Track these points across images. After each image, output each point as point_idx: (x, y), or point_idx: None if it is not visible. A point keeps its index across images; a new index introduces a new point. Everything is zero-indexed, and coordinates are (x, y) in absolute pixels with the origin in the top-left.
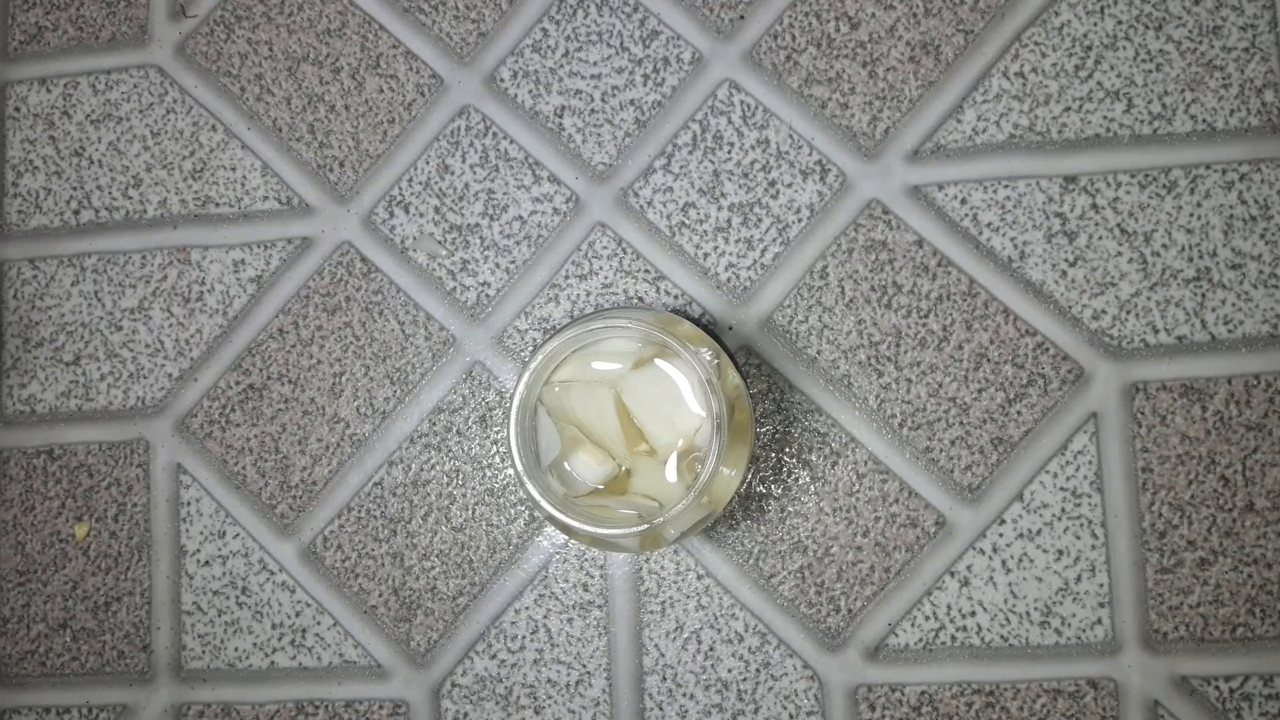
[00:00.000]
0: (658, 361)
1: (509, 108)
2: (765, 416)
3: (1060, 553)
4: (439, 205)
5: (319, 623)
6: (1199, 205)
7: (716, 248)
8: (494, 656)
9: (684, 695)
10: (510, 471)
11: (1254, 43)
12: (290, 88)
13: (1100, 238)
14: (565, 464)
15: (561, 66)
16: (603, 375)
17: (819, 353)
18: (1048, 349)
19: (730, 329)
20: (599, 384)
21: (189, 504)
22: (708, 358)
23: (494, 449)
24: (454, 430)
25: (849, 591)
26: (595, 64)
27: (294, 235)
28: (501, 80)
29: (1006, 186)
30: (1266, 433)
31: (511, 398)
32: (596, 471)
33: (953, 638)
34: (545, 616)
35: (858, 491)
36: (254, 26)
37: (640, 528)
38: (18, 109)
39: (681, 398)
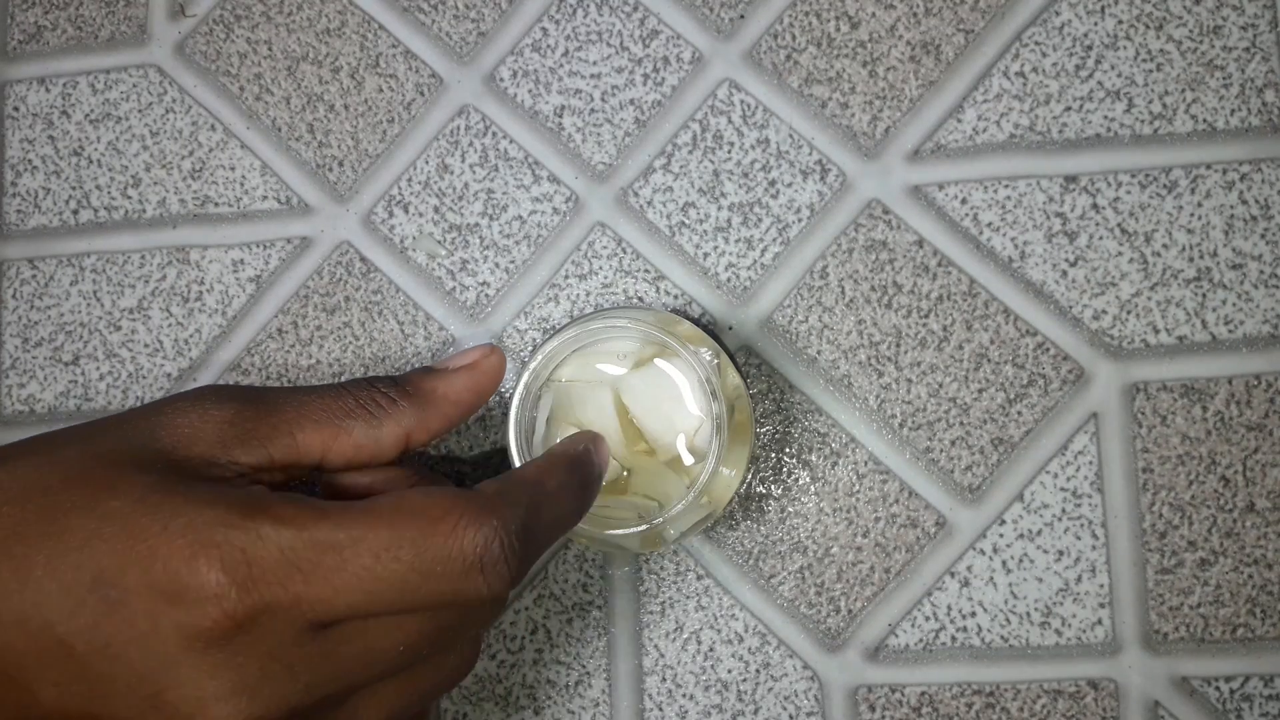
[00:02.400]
0: (658, 361)
1: (509, 107)
2: (765, 416)
3: (1060, 553)
4: (438, 205)
5: None
6: (1199, 205)
7: (716, 248)
8: (493, 657)
9: (684, 696)
10: None
11: (1255, 42)
12: (289, 87)
13: (1101, 238)
14: None
15: (561, 66)
16: (603, 375)
17: (819, 353)
18: (1048, 349)
19: (730, 329)
20: (599, 384)
21: None
22: (707, 358)
23: (493, 449)
24: (454, 431)
25: (849, 592)
26: (595, 63)
27: (293, 235)
28: (501, 80)
29: (1007, 186)
30: (1267, 433)
31: (511, 398)
32: None
33: (953, 638)
34: (545, 617)
35: (858, 492)
36: (253, 26)
37: (640, 528)
38: (16, 108)
39: (681, 398)
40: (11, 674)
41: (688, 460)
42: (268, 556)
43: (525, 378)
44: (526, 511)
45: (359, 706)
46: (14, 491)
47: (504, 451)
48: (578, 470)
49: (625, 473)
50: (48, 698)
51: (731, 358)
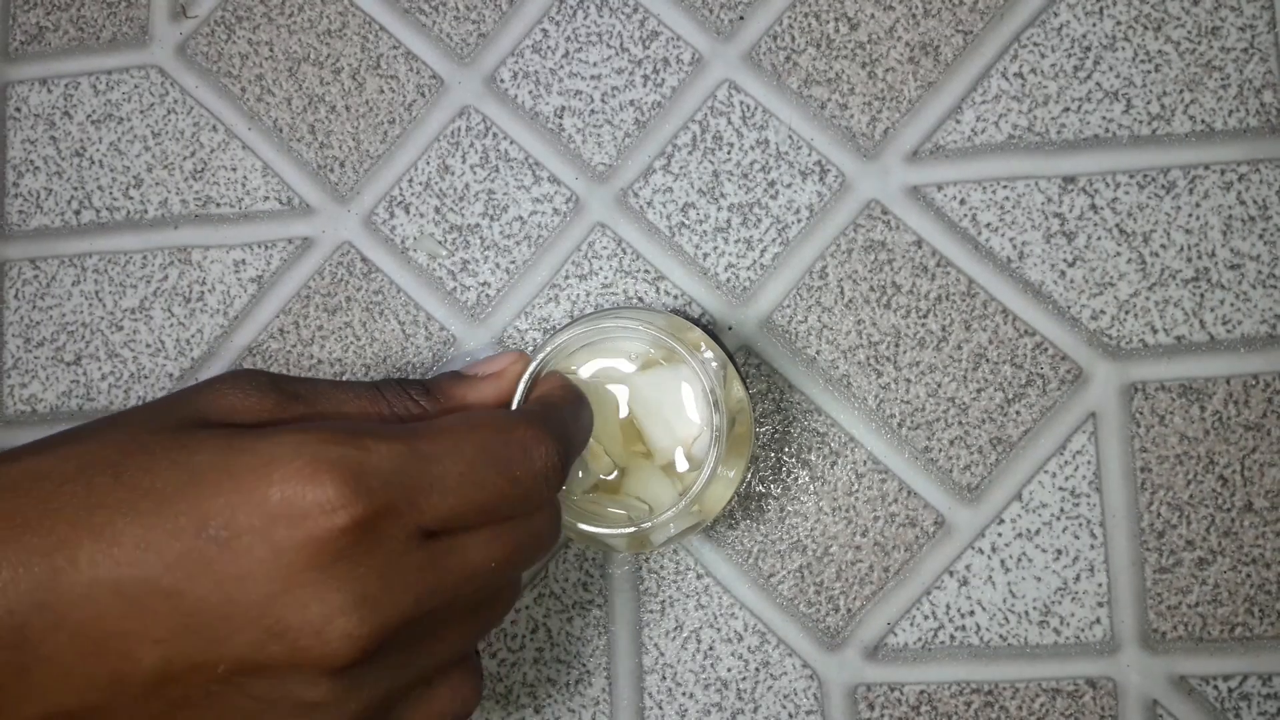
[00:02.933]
0: (665, 366)
1: (509, 108)
2: (765, 416)
3: (1059, 552)
4: (439, 205)
5: None
6: (1198, 205)
7: (716, 248)
8: (494, 656)
9: (683, 694)
10: None
11: (1253, 43)
12: (291, 88)
13: (1099, 238)
14: None
15: (561, 67)
16: (610, 371)
17: (818, 353)
18: (1046, 349)
19: (730, 329)
20: (604, 379)
21: None
22: (715, 368)
23: None
24: None
25: (848, 591)
26: (595, 64)
27: (294, 235)
28: (501, 81)
29: (1005, 187)
30: (1265, 433)
31: (518, 384)
32: (590, 467)
33: (951, 637)
34: (545, 616)
35: (857, 491)
36: (254, 27)
37: (626, 530)
38: (19, 109)
39: (684, 405)
40: (106, 644)
41: (682, 467)
42: (383, 467)
43: (533, 367)
44: (566, 432)
45: (448, 635)
46: (71, 472)
47: None
48: (586, 408)
49: (618, 471)
50: (149, 659)
51: (738, 370)
